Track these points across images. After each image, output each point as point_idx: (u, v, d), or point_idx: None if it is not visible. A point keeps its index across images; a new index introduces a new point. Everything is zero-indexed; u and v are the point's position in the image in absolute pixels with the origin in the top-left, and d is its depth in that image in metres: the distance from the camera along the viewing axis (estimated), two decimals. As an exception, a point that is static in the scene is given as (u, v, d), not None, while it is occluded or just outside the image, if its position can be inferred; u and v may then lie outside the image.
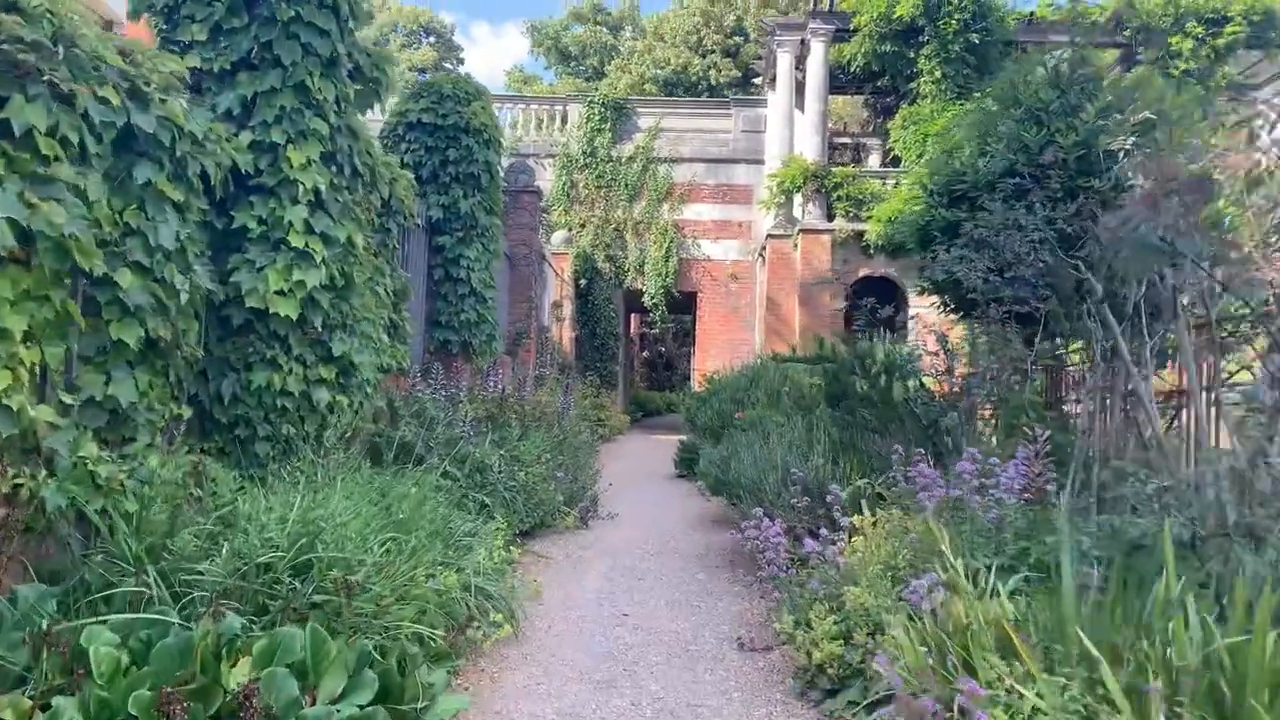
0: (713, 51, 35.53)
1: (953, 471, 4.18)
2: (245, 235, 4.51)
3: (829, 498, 4.57)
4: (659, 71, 34.49)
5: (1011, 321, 5.08)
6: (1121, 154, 5.52)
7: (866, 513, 4.55)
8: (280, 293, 4.50)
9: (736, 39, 35.54)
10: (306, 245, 4.59)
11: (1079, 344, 5.77)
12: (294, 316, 4.54)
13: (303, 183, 4.57)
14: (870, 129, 24.24)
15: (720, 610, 4.93)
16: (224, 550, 3.13)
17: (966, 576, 3.04)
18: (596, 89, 21.34)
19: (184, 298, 3.83)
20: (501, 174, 9.37)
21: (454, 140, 8.89)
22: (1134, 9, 17.08)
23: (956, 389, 6.14)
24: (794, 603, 3.88)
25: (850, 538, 4.26)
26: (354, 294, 5.09)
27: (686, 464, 10.50)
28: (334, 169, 4.85)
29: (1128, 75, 6.34)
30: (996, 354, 4.97)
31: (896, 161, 18.14)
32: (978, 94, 16.84)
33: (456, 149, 8.86)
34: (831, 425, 6.44)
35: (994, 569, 3.25)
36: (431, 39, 44.15)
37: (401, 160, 8.86)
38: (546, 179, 20.88)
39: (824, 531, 4.24)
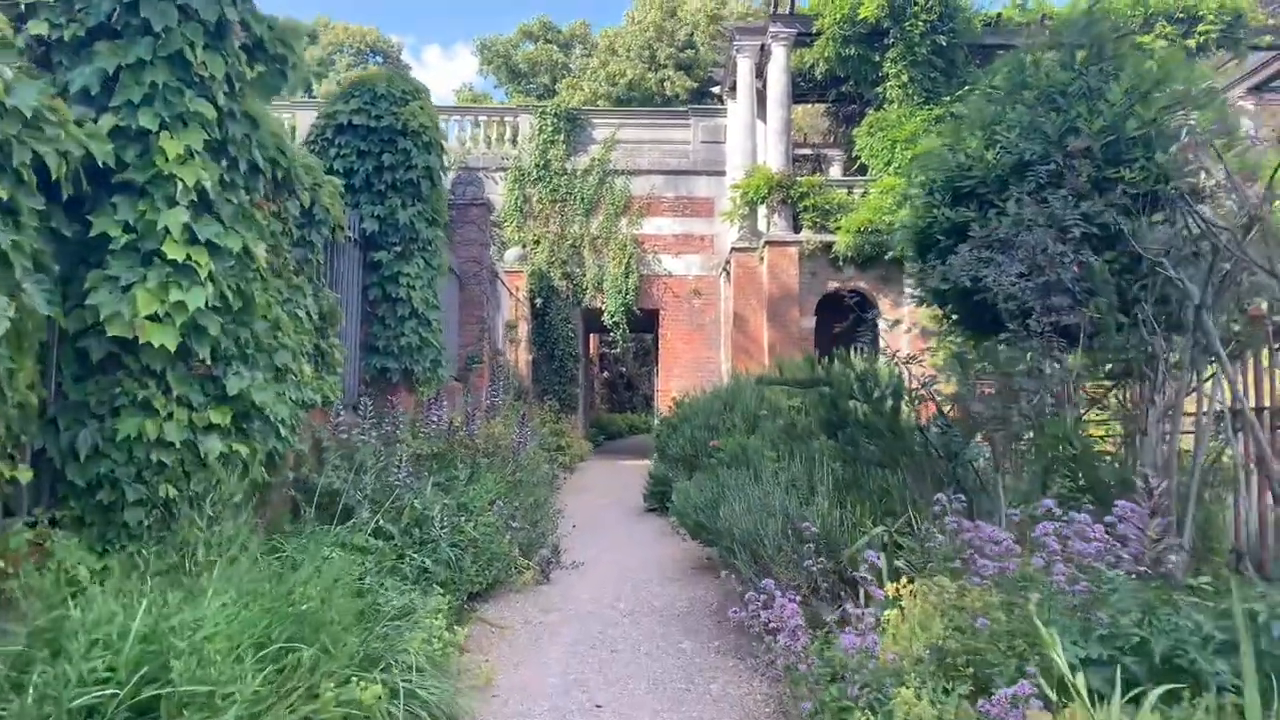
0: (666, 65, 35.37)
1: (983, 516, 3.39)
2: (106, 246, 3.58)
3: (864, 566, 3.73)
4: (612, 88, 34.08)
5: (1054, 335, 4.32)
6: (1169, 137, 4.81)
7: (888, 574, 3.74)
8: (154, 317, 3.57)
9: (689, 52, 35.49)
10: (188, 258, 3.67)
11: (1115, 358, 5.02)
12: (172, 347, 3.61)
13: (182, 179, 3.65)
14: (832, 139, 23.77)
15: (715, 695, 4.06)
16: (31, 685, 2.20)
17: (1076, 689, 2.22)
18: (549, 101, 20.56)
19: (2, 326, 2.89)
20: (446, 181, 8.48)
21: (389, 144, 7.99)
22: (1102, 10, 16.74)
23: (952, 412, 5.39)
24: (820, 703, 3.03)
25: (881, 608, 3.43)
26: (253, 317, 4.17)
27: (657, 497, 9.64)
28: (225, 163, 3.94)
29: (1152, 57, 5.68)
30: (1030, 373, 4.20)
31: (863, 170, 17.58)
32: (947, 97, 16.42)
33: (393, 153, 7.97)
34: (832, 459, 5.64)
35: (1087, 664, 2.45)
36: (379, 59, 43.17)
37: (330, 167, 7.94)
38: (498, 194, 19.99)
39: (850, 608, 3.39)
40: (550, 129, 20.02)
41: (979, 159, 5.83)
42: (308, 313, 5.96)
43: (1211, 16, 15.68)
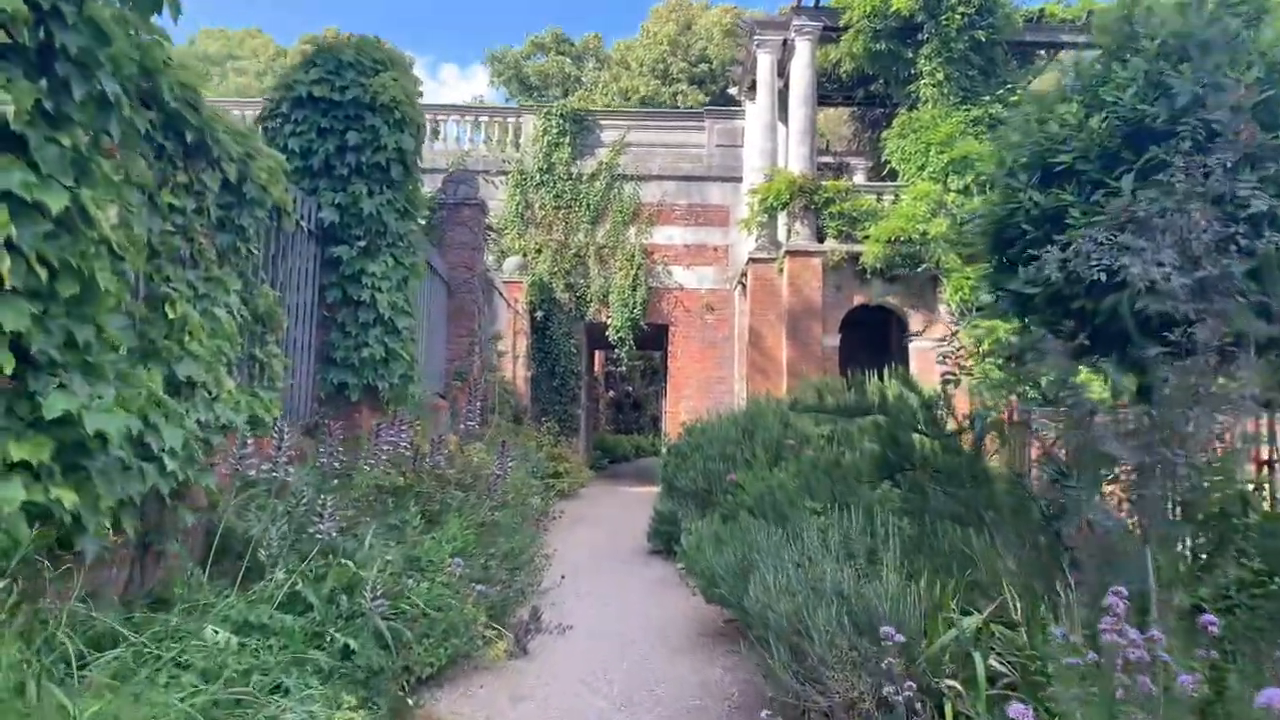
0: (679, 79, 34.97)
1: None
2: None
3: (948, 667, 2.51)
4: (625, 102, 33.35)
5: (1212, 353, 3.11)
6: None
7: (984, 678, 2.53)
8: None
9: (703, 66, 35.01)
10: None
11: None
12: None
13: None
14: (856, 145, 22.66)
15: None
16: None
17: None
18: (555, 102, 19.51)
19: None
20: (420, 163, 7.35)
21: (355, 120, 6.88)
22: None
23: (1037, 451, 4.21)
24: None
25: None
26: (99, 310, 3.00)
27: (663, 537, 8.42)
28: (48, 82, 2.79)
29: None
30: (1202, 401, 2.99)
31: (893, 177, 16.43)
32: (987, 97, 15.30)
33: (358, 131, 6.85)
34: (895, 511, 4.43)
35: None
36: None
37: (285, 146, 6.84)
38: (498, 199, 18.93)
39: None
40: (556, 130, 18.96)
41: (1077, 129, 4.65)
42: (233, 312, 4.84)
43: None
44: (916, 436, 4.35)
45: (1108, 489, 3.57)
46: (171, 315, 4.09)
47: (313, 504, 4.42)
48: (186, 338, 4.22)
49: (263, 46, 48.51)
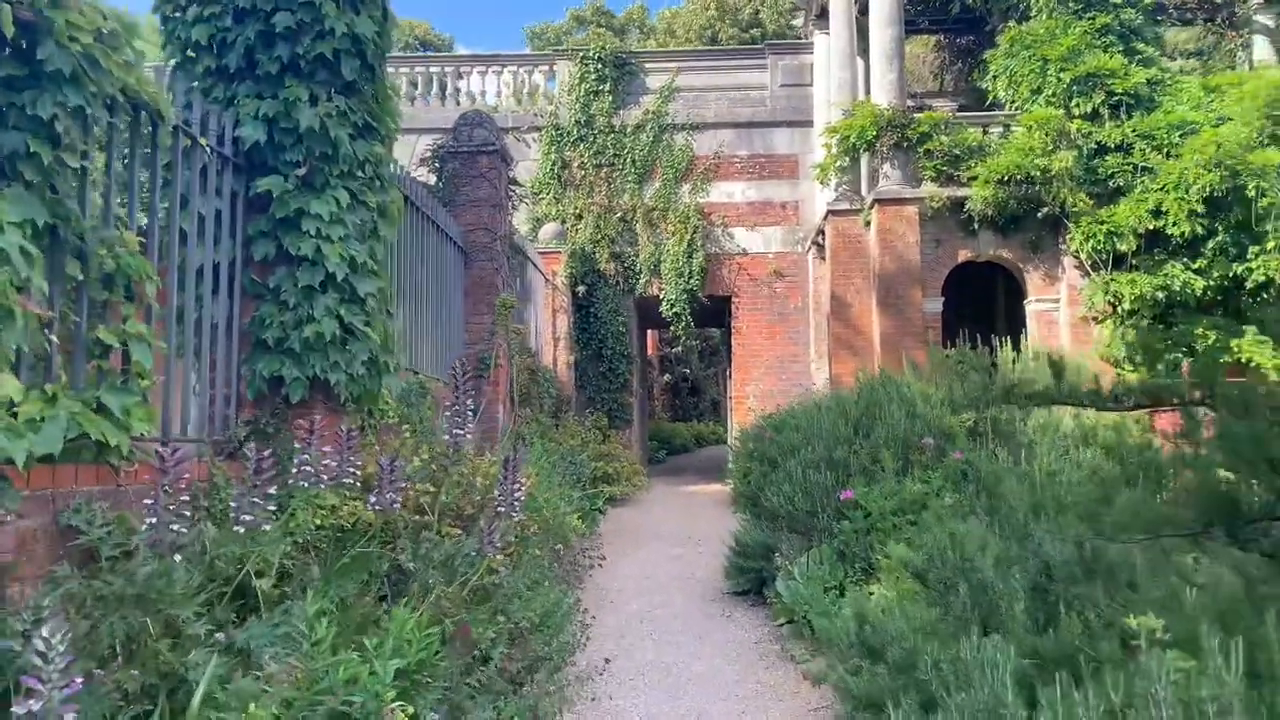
0: (729, 45, 32.86)
1: None
2: None
3: None
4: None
5: None
6: None
7: None
8: None
9: (754, 31, 32.85)
10: None
11: None
12: None
13: None
14: (940, 84, 20.06)
15: None
16: None
17: None
18: (591, 44, 17.29)
19: None
20: (387, 55, 5.26)
21: (286, -5, 4.81)
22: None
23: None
24: None
25: None
26: None
27: (748, 575, 6.26)
28: None
29: None
30: None
31: (994, 110, 13.95)
32: (1117, 0, 12.72)
33: (290, 10, 4.78)
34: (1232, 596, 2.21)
35: None
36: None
37: (188, 39, 4.83)
38: (531, 159, 16.88)
39: None
40: (594, 77, 16.78)
41: None
42: (9, 261, 2.85)
43: None
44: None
45: None
46: None
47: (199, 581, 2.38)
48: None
49: None
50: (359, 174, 5.03)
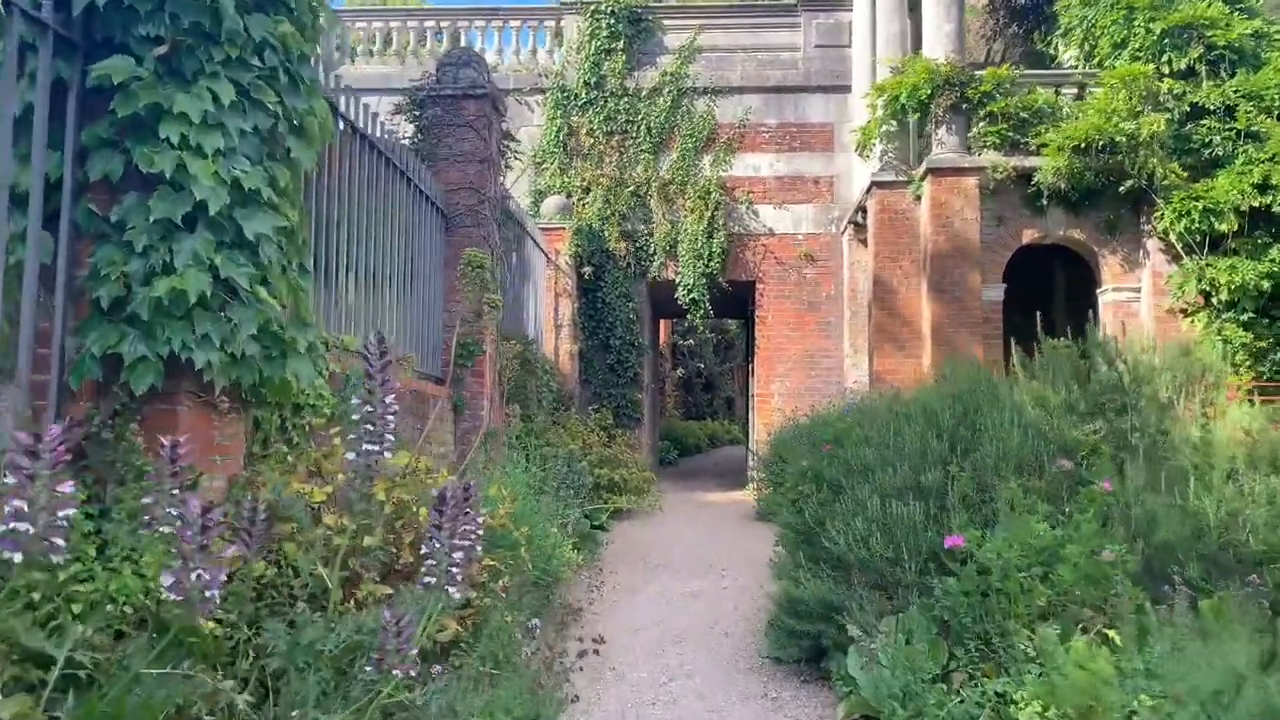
0: None
1: None
2: None
3: None
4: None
5: None
6: None
7: None
8: None
9: None
10: None
11: None
12: None
13: None
14: (989, 52, 18.40)
15: None
16: None
17: None
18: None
19: None
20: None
21: None
22: None
23: None
24: None
25: None
26: None
27: (799, 638, 4.67)
28: None
29: None
30: None
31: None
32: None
33: None
34: None
35: None
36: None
37: None
38: (534, 124, 15.33)
39: None
40: (605, 34, 15.19)
41: None
42: None
43: None
44: None
45: None
46: None
47: None
48: None
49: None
50: (254, 62, 3.47)
